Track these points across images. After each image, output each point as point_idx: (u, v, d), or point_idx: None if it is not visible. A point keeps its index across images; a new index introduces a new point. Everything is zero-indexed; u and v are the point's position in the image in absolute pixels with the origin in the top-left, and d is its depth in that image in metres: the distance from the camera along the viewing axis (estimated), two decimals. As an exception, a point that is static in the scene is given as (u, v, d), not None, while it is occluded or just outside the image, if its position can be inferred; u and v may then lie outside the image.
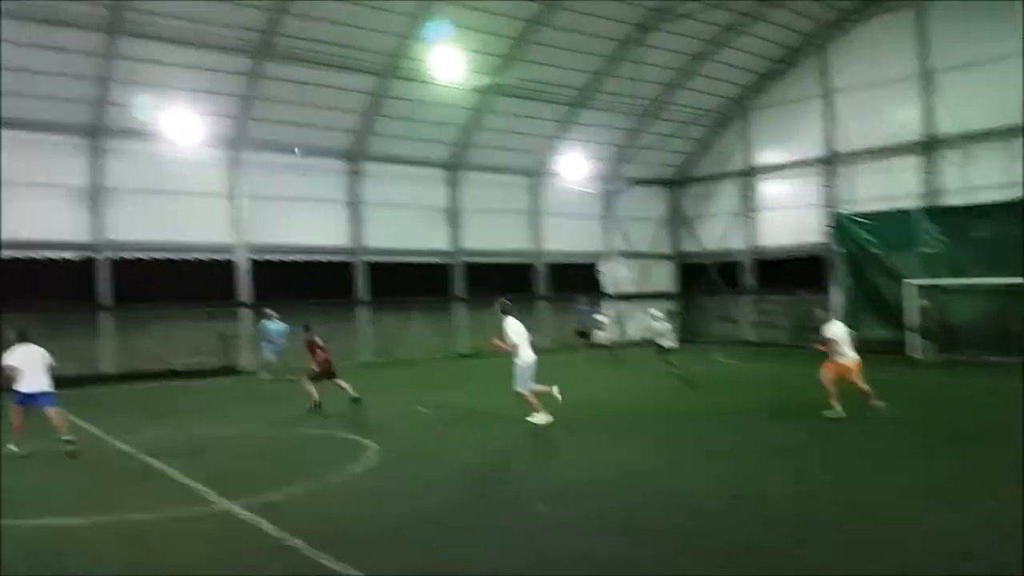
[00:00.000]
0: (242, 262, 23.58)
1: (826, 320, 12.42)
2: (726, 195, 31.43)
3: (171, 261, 22.42)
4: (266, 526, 6.84)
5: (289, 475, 8.88)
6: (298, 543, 6.32)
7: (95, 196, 21.46)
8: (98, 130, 21.33)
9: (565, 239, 30.19)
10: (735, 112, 30.51)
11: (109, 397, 17.55)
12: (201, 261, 22.94)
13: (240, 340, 23.45)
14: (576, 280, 29.68)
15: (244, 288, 23.59)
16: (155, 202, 22.00)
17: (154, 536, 6.83)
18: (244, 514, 7.26)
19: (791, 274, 27.80)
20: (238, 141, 23.35)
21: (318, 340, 14.85)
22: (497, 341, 12.20)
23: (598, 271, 31.51)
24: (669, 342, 18.51)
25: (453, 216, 27.82)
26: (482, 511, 7.48)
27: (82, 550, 6.49)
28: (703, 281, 31.87)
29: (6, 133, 19.83)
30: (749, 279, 30.29)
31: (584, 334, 24.74)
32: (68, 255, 21.24)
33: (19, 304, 19.16)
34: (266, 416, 13.71)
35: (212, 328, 22.86)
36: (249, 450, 11.05)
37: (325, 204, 25.18)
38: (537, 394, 12.04)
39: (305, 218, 24.64)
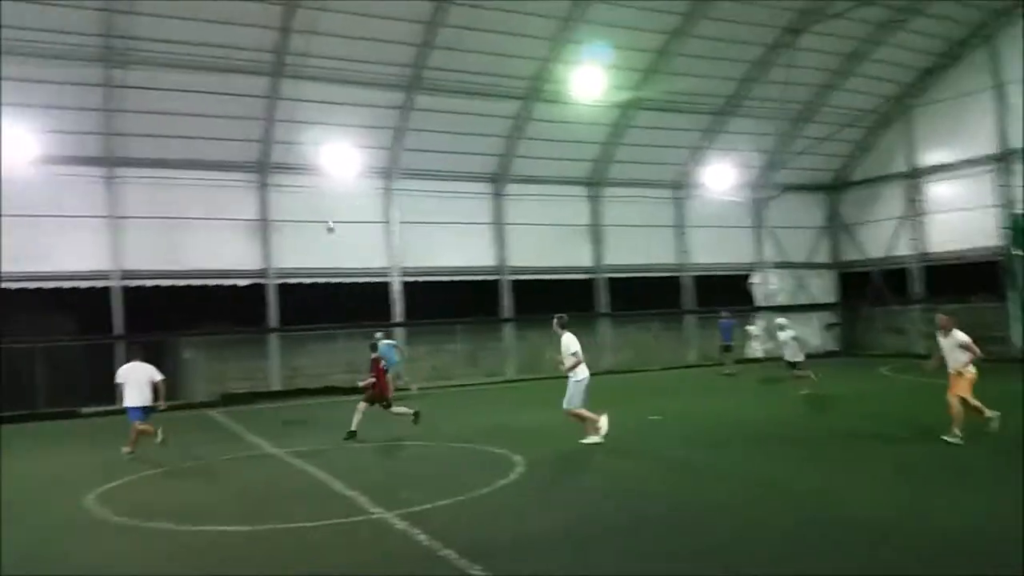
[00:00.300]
0: (395, 284, 24.61)
1: (949, 327, 10.74)
2: (889, 199, 29.48)
3: (330, 285, 23.77)
4: (419, 536, 6.99)
5: (440, 487, 9.07)
6: (450, 553, 6.41)
7: (263, 228, 23.14)
8: (265, 167, 23.01)
9: (712, 251, 29.35)
10: (896, 111, 28.64)
11: (275, 412, 18.70)
12: (357, 284, 24.16)
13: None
14: (724, 292, 28.75)
15: (397, 309, 24.61)
16: (316, 231, 23.41)
17: (314, 543, 7.15)
18: (399, 524, 7.47)
19: (963, 281, 25.75)
20: (391, 171, 24.48)
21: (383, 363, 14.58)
22: (557, 357, 11.99)
23: (750, 283, 30.36)
24: (792, 354, 17.45)
25: (595, 232, 27.75)
26: (630, 528, 7.30)
27: (246, 555, 6.89)
28: (868, 291, 29.95)
29: (185, 174, 21.91)
30: (917, 287, 28.21)
31: (728, 348, 23.81)
32: (240, 282, 23.00)
33: (198, 327, 21.00)
34: (417, 430, 14.11)
35: (368, 348, 23.93)
36: (403, 462, 11.41)
37: (471, 226, 25.83)
38: (583, 418, 11.80)
39: (452, 240, 25.40)
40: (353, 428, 13.27)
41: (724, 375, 22.14)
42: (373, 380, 13.91)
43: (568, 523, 7.51)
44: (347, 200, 23.92)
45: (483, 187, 26.15)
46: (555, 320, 12.43)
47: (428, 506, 8.10)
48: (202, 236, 22.20)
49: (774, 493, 8.36)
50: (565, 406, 11.79)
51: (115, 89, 20.21)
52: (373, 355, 14.55)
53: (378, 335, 19.77)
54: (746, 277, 30.41)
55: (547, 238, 26.85)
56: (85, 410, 20.00)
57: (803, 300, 30.61)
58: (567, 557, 6.42)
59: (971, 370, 10.47)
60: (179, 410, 20.04)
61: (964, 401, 10.38)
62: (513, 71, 23.30)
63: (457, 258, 25.53)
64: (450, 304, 25.10)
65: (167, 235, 21.89)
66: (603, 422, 11.82)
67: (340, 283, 23.94)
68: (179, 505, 8.80)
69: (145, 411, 12.45)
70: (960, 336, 10.55)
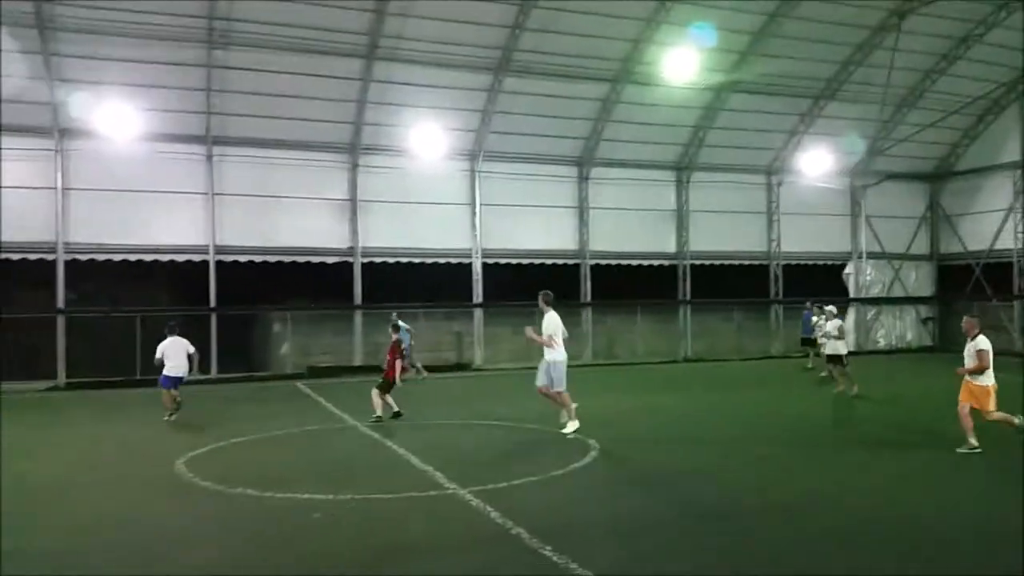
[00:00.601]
0: (476, 265, 24.83)
1: (972, 332, 9.91)
2: (996, 189, 27.83)
3: (413, 264, 24.18)
4: (492, 513, 7.06)
5: (514, 467, 9.13)
6: (521, 531, 6.45)
7: (351, 207, 23.68)
8: (355, 148, 23.50)
9: (804, 239, 28.35)
10: (1009, 98, 26.92)
11: (358, 387, 19.16)
12: (439, 264, 24.49)
13: (473, 339, 24.74)
14: (816, 283, 27.79)
15: (477, 289, 24.84)
16: (402, 211, 23.81)
17: (391, 514, 7.32)
18: (473, 500, 7.56)
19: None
20: (476, 153, 24.63)
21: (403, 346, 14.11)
22: (532, 334, 11.71)
23: (844, 274, 29.29)
24: (834, 348, 15.84)
25: (682, 218, 27.25)
26: (701, 518, 7.17)
27: (326, 523, 7.10)
28: (971, 285, 28.46)
29: (280, 153, 22.61)
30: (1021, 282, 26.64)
31: (811, 341, 22.81)
32: (328, 260, 23.64)
33: (287, 302, 21.77)
34: (494, 410, 14.24)
35: (449, 327, 24.36)
36: (479, 441, 11.53)
37: (554, 209, 25.75)
38: (561, 403, 11.46)
39: (534, 223, 25.40)
40: (397, 409, 13.17)
41: (806, 369, 21.39)
42: (401, 364, 13.53)
43: (638, 509, 7.45)
44: (432, 181, 24.22)
45: (567, 170, 25.99)
46: (540, 296, 12.14)
47: (502, 485, 8.16)
48: (294, 214, 22.90)
49: (844, 491, 8.05)
50: (555, 387, 11.43)
51: (216, 70, 20.98)
52: (395, 336, 14.19)
53: (394, 315, 19.53)
54: (840, 267, 29.33)
55: (630, 223, 26.51)
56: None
57: (899, 293, 29.32)
58: (637, 542, 6.37)
59: (982, 381, 9.59)
60: (267, 381, 20.87)
61: (985, 411, 9.58)
62: (604, 53, 23.00)
63: (538, 241, 25.52)
64: (530, 287, 24.99)
65: (261, 213, 22.67)
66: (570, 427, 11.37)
67: (423, 263, 24.32)
68: (262, 472, 9.14)
69: (178, 381, 14.06)
70: (977, 342, 9.77)
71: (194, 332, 22.30)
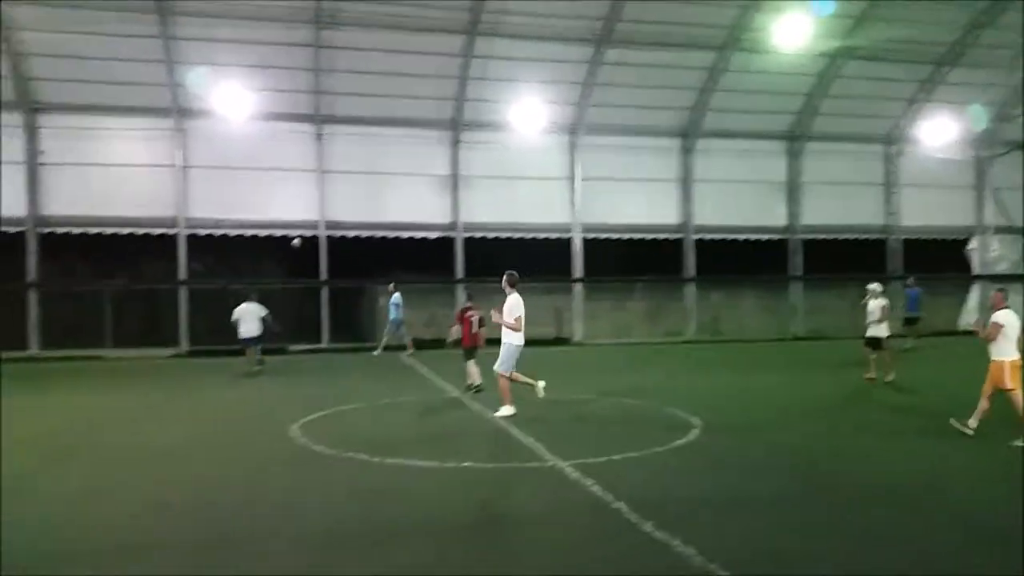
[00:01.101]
0: (576, 240, 24.72)
1: (997, 305, 9.30)
2: None
3: (513, 239, 24.31)
4: (592, 487, 7.06)
5: (615, 442, 9.08)
6: (621, 506, 6.43)
7: (453, 183, 23.99)
8: (457, 124, 23.74)
9: (925, 212, 26.86)
10: None
11: (459, 359, 19.48)
12: (538, 239, 24.52)
13: (572, 313, 24.73)
14: (936, 258, 26.28)
15: (577, 264, 24.75)
16: (501, 186, 23.95)
17: (493, 483, 7.44)
18: (573, 473, 7.59)
19: None
20: (576, 126, 24.41)
21: (470, 312, 13.69)
22: (498, 317, 11.22)
23: (968, 249, 27.56)
24: (875, 330, 14.46)
25: (792, 190, 26.24)
26: (803, 500, 6.94)
27: (433, 488, 7.29)
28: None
29: (387, 131, 23.12)
30: None
31: (913, 320, 21.38)
32: (431, 235, 24.08)
33: (391, 276, 22.32)
34: (596, 385, 14.20)
35: (549, 302, 24.41)
36: (579, 415, 11.54)
37: (656, 183, 25.31)
38: (519, 383, 11.09)
39: (635, 196, 25.08)
40: (477, 383, 13.27)
41: (905, 349, 20.09)
42: (474, 332, 13.49)
43: (741, 487, 7.28)
44: (532, 156, 24.23)
45: (671, 142, 25.45)
46: (504, 277, 11.71)
47: (602, 459, 8.15)
48: (398, 190, 23.47)
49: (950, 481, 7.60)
50: (496, 368, 11.15)
51: (323, 50, 21.58)
52: (467, 304, 13.93)
53: (390, 287, 20.59)
54: (963, 243, 27.61)
55: (737, 196, 25.79)
56: (292, 347, 21.97)
57: (1031, 270, 27.40)
58: (740, 520, 6.23)
59: (997, 356, 9.03)
60: (372, 351, 21.50)
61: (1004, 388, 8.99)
62: (711, 20, 22.31)
63: (640, 215, 25.19)
64: (631, 262, 24.90)
65: (367, 189, 23.33)
66: (540, 389, 11.22)
67: (522, 238, 24.43)
68: (371, 438, 9.45)
69: (250, 342, 16.63)
70: (996, 315, 9.15)
71: (306, 304, 23.42)
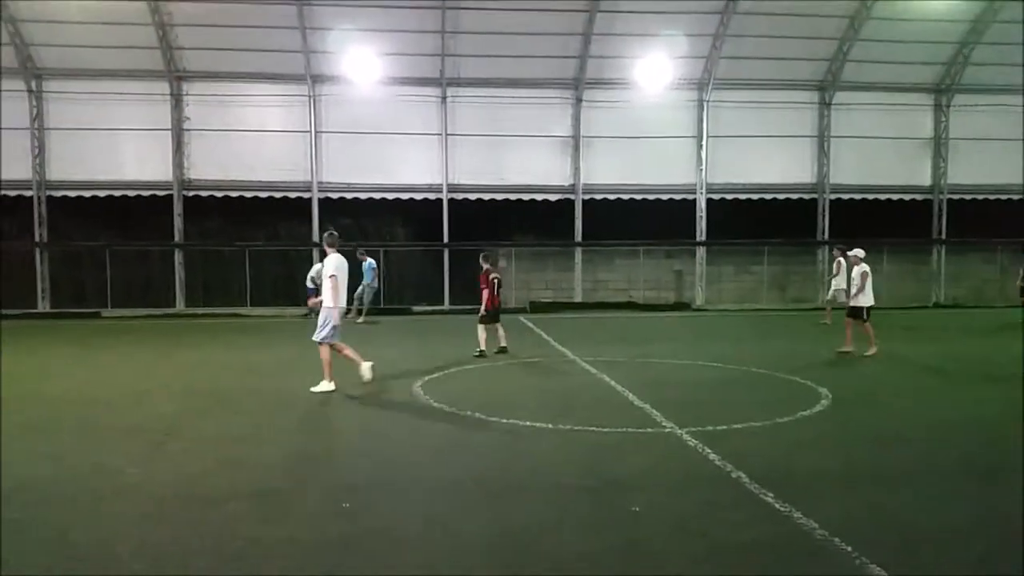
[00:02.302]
0: (701, 200, 24.01)
1: None
2: None
3: (635, 201, 23.88)
4: (711, 455, 6.90)
5: (736, 411, 8.84)
6: (741, 476, 6.25)
7: (574, 144, 23.75)
8: (580, 83, 23.40)
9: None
10: None
11: (577, 323, 19.49)
12: (662, 201, 23.98)
13: (695, 277, 24.14)
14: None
15: (701, 226, 24.06)
16: (624, 146, 23.50)
17: (610, 447, 7.40)
18: (691, 441, 7.43)
19: None
20: (704, 81, 23.55)
21: (493, 275, 13.55)
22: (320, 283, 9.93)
23: None
24: (860, 299, 13.18)
25: (939, 146, 24.37)
26: (933, 476, 6.49)
27: (549, 449, 7.34)
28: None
29: (509, 92, 23.10)
30: None
31: None
32: (552, 197, 24.01)
33: (514, 239, 22.53)
34: (715, 351, 13.84)
35: (669, 265, 23.93)
36: (698, 382, 11.28)
37: (789, 139, 24.13)
38: (347, 359, 10.09)
39: (767, 154, 24.05)
40: (503, 344, 13.61)
41: None
42: (491, 294, 13.49)
43: (868, 463, 6.90)
44: (657, 113, 23.63)
45: (806, 96, 24.15)
46: (325, 236, 10.36)
47: (722, 427, 7.94)
48: (519, 152, 23.51)
49: None
50: (314, 337, 10.06)
51: (450, 11, 21.71)
52: (485, 266, 13.76)
53: (360, 251, 20.08)
54: None
55: (878, 152, 24.24)
56: (416, 308, 22.64)
57: None
58: (863, 496, 5.92)
59: None
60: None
61: None
62: (853, -38, 20.84)
63: (771, 174, 24.14)
64: (759, 223, 23.92)
65: (489, 151, 23.49)
66: (365, 370, 10.21)
67: (644, 199, 23.96)
68: (488, 398, 9.61)
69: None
70: None
71: (429, 265, 24.00)
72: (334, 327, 9.93)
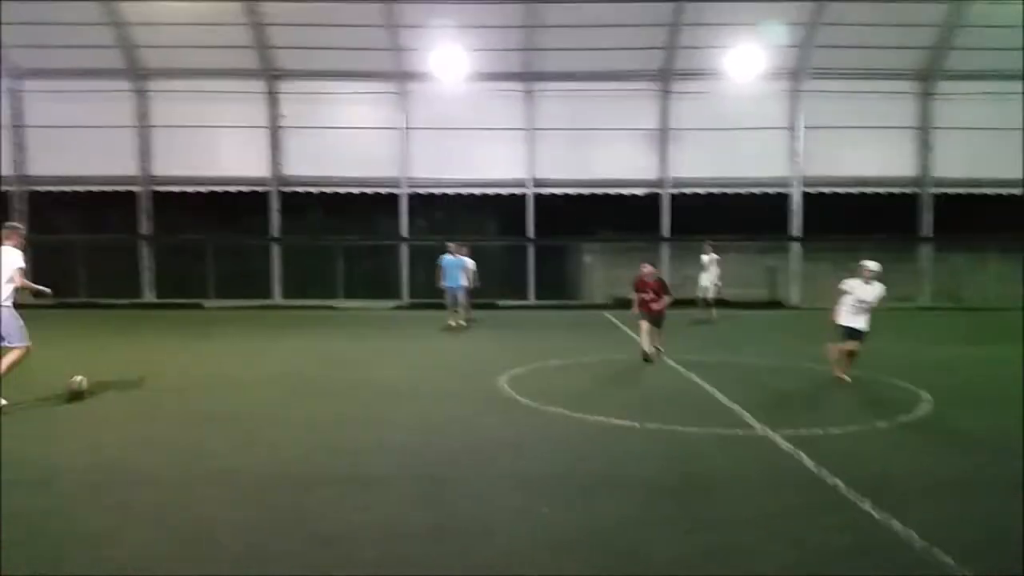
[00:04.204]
0: (795, 195, 23.27)
1: None
2: None
3: (725, 195, 23.34)
4: (805, 459, 6.68)
5: (832, 414, 8.54)
6: (837, 482, 6.03)
7: (661, 136, 23.39)
8: (667, 74, 23.02)
9: None
10: None
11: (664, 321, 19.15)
12: (753, 195, 23.37)
13: (788, 275, 23.42)
14: None
15: (795, 222, 23.32)
16: (713, 139, 23.00)
17: (698, 448, 7.25)
18: (784, 444, 7.22)
19: None
20: (799, 71, 22.80)
21: (646, 278, 12.45)
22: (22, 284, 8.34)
23: None
24: (858, 319, 10.82)
25: (1055, 138, 22.86)
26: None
27: (632, 447, 7.25)
28: None
29: (594, 85, 22.94)
30: None
31: None
32: (638, 191, 23.73)
33: (600, 234, 22.39)
34: (810, 351, 13.38)
35: (762, 261, 23.28)
36: (792, 383, 10.95)
37: (888, 131, 23.11)
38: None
39: (864, 146, 23.12)
40: (654, 349, 12.40)
41: None
42: (645, 299, 12.37)
43: (972, 471, 6.53)
44: (748, 104, 23.04)
45: (906, 86, 23.07)
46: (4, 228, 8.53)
47: (817, 432, 7.67)
48: (604, 146, 23.34)
49: None
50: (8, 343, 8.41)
51: (533, 5, 21.71)
52: (647, 269, 12.65)
53: (450, 247, 17.59)
54: None
55: (986, 145, 22.90)
56: (500, 303, 22.76)
57: None
58: (965, 506, 5.61)
59: None
60: (576, 309, 21.73)
61: None
62: (958, -57, 19.76)
63: (869, 167, 23.18)
64: (856, 218, 22.99)
65: (573, 146, 23.40)
66: None
67: (735, 193, 23.40)
68: (573, 394, 9.58)
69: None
70: None
71: (514, 261, 24.11)
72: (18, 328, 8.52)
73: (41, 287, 8.67)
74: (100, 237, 24.12)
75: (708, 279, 18.32)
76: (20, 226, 8.79)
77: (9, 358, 8.39)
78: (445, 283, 17.40)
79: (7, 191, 23.71)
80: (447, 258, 17.43)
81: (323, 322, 19.50)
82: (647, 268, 12.70)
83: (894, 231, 23.34)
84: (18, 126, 23.72)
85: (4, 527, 4.94)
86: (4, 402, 8.32)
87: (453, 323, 17.34)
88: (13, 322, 8.45)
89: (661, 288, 12.52)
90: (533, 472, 6.36)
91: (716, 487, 6.05)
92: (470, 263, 17.80)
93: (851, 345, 10.68)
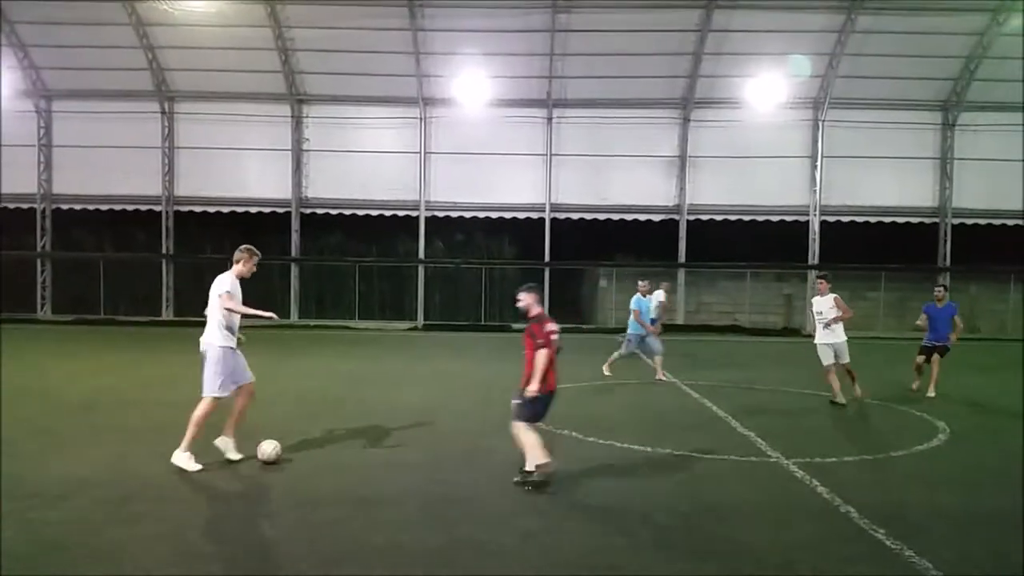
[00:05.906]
0: (814, 223, 23.23)
1: None
2: None
3: (743, 222, 23.34)
4: (819, 488, 6.64)
5: (848, 443, 8.51)
6: (851, 510, 5.99)
7: (680, 164, 23.48)
8: (688, 102, 23.16)
9: None
10: None
11: (679, 346, 19.11)
12: (772, 222, 23.35)
13: (805, 303, 23.32)
14: None
15: (814, 249, 23.26)
16: (733, 166, 23.06)
17: (711, 474, 7.22)
18: (798, 472, 7.18)
19: None
20: (820, 101, 22.87)
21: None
22: None
23: None
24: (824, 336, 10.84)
25: (1078, 170, 22.72)
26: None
27: (643, 473, 7.23)
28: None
29: (615, 113, 23.13)
30: None
31: None
32: (655, 217, 23.79)
33: (613, 258, 22.44)
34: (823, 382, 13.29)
35: (778, 289, 23.21)
36: (806, 411, 10.87)
37: (909, 161, 23.11)
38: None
39: (884, 176, 23.10)
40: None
41: None
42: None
43: (987, 502, 6.46)
44: (768, 133, 23.10)
45: (928, 116, 23.05)
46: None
47: (831, 460, 7.63)
48: (622, 172, 23.46)
49: None
50: None
51: (558, 34, 21.97)
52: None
53: (642, 285, 13.71)
54: None
55: (1007, 176, 22.82)
56: (515, 326, 22.78)
57: None
58: (979, 537, 5.56)
59: None
60: (592, 333, 21.70)
61: None
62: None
63: (888, 196, 23.13)
64: (875, 247, 22.90)
65: (592, 172, 23.54)
66: None
67: (753, 220, 23.38)
68: (586, 418, 9.57)
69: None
70: None
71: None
72: None
73: (260, 311, 7.52)
74: (122, 255, 24.45)
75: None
76: (253, 248, 7.71)
77: (198, 411, 7.28)
78: (632, 331, 13.27)
79: (32, 208, 24.14)
80: (640, 299, 13.38)
81: (339, 342, 19.63)
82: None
83: (912, 261, 23.20)
84: (46, 145, 24.21)
85: (33, 536, 5.02)
86: (238, 457, 7.26)
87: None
88: (213, 365, 7.47)
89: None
90: (542, 496, 6.37)
91: (729, 515, 6.02)
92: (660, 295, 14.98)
93: (832, 368, 10.92)
